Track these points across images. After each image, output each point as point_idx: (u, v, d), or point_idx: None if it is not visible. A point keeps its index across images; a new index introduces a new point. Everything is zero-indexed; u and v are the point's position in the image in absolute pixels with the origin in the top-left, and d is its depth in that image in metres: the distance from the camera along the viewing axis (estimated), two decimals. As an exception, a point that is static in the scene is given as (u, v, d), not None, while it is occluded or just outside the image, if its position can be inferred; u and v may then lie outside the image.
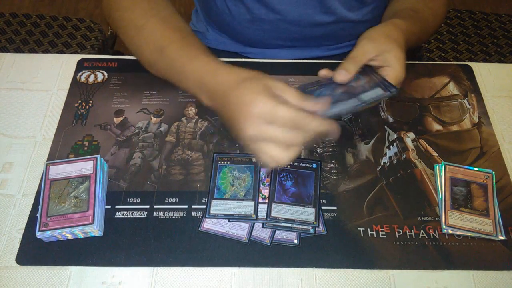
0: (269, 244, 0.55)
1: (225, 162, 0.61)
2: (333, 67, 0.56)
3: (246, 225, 0.56)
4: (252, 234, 0.56)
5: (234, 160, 0.61)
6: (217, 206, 0.57)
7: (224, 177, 0.60)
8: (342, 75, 0.55)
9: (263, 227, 0.56)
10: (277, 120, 0.45)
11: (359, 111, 0.65)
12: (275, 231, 0.56)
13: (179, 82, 0.57)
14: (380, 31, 0.60)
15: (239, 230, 0.56)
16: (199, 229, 0.56)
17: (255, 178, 0.59)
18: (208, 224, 0.56)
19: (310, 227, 0.55)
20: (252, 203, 0.57)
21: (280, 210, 0.56)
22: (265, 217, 0.56)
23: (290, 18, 0.74)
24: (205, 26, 0.88)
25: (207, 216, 0.57)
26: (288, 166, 0.60)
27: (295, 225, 0.55)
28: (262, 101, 0.45)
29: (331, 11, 0.73)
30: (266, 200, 0.58)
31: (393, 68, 0.57)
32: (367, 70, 0.57)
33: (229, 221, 0.57)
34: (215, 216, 0.56)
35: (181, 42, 0.58)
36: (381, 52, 0.57)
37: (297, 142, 0.46)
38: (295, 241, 0.55)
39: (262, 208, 0.57)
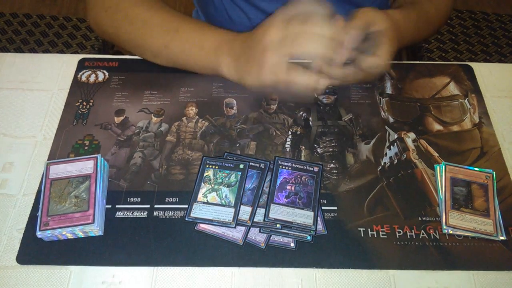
0: (264, 248, 0.54)
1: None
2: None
3: (242, 228, 0.56)
4: (248, 236, 0.55)
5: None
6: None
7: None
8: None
9: (260, 231, 0.56)
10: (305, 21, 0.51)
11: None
12: (271, 235, 0.55)
13: (192, 55, 0.61)
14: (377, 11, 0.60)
15: (234, 232, 0.55)
16: (195, 228, 0.56)
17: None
18: (205, 224, 0.56)
19: (307, 235, 0.55)
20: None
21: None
22: (263, 218, 0.56)
23: None
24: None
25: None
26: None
27: (292, 232, 0.55)
28: (282, 13, 0.52)
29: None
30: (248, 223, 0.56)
31: (379, 55, 0.57)
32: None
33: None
34: (195, 220, 0.56)
35: (196, 21, 0.64)
36: (378, 22, 0.57)
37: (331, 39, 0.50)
38: (292, 245, 0.55)
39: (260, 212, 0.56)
